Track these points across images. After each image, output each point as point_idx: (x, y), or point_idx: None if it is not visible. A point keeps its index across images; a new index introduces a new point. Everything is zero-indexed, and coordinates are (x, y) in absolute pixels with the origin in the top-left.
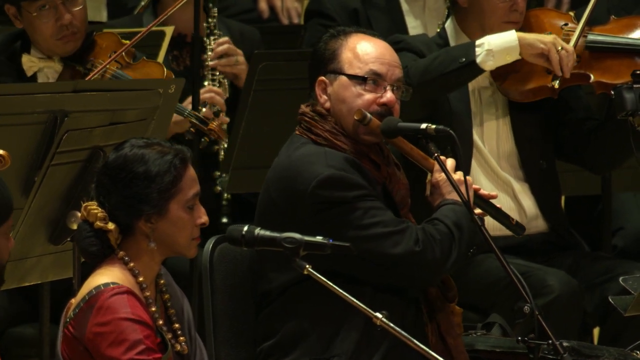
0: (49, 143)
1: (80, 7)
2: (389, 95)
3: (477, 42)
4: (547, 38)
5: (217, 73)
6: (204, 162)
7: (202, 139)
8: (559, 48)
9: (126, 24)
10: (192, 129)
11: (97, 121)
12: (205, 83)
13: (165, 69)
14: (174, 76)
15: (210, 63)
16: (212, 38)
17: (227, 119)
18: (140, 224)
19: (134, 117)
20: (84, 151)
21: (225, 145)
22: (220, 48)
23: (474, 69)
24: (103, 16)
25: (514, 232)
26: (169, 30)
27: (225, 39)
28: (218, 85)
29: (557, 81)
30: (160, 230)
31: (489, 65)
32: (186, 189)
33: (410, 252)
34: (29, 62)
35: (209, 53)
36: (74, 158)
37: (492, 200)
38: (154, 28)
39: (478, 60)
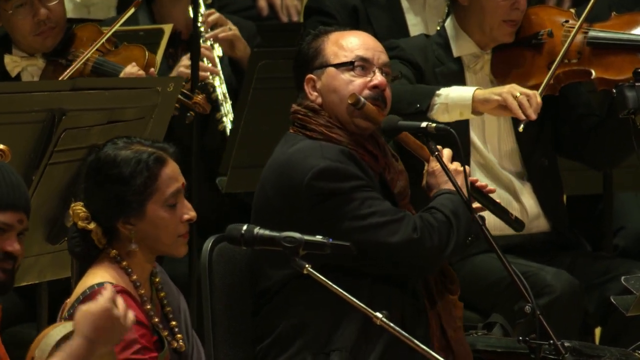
0: (47, 142)
1: (57, 1)
2: (379, 78)
3: (438, 91)
4: (503, 88)
5: (209, 43)
6: (204, 159)
7: (188, 114)
8: (517, 94)
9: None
10: (176, 105)
11: (95, 120)
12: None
13: (147, 51)
14: (157, 59)
15: (207, 35)
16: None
17: (218, 70)
18: (119, 225)
19: (132, 115)
20: (82, 150)
21: (230, 120)
22: (212, 18)
23: (426, 120)
24: (112, 13)
25: (513, 228)
26: (167, 28)
27: (212, 10)
28: (212, 49)
29: (522, 125)
30: (142, 232)
31: (443, 117)
32: (163, 188)
33: (409, 240)
34: (12, 63)
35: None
36: (72, 157)
37: (492, 196)
38: (153, 26)
39: (432, 112)
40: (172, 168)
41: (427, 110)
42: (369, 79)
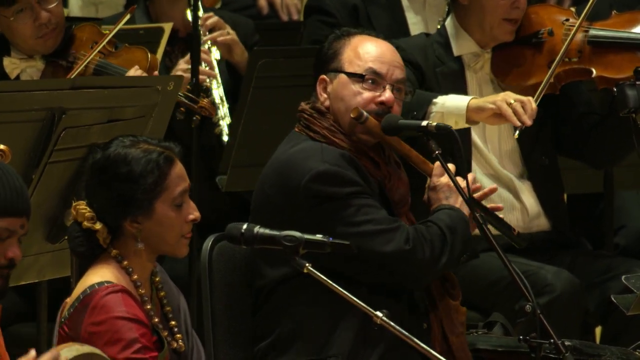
0: (47, 141)
1: (56, 3)
2: (387, 95)
3: (435, 99)
4: (497, 97)
5: (206, 46)
6: (204, 158)
7: (194, 117)
8: (512, 101)
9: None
10: (181, 109)
11: (95, 118)
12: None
13: (149, 53)
14: (159, 62)
15: (205, 38)
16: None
17: (215, 73)
18: (127, 224)
19: (132, 114)
20: (82, 149)
21: (226, 123)
22: (210, 21)
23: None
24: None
25: (516, 244)
26: (167, 27)
27: (211, 13)
28: (209, 52)
29: (517, 132)
30: (147, 231)
31: None
32: (172, 187)
33: (400, 250)
34: (11, 65)
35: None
36: (72, 156)
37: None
38: (153, 25)
39: (428, 119)
40: (180, 168)
41: (423, 118)
42: (378, 93)
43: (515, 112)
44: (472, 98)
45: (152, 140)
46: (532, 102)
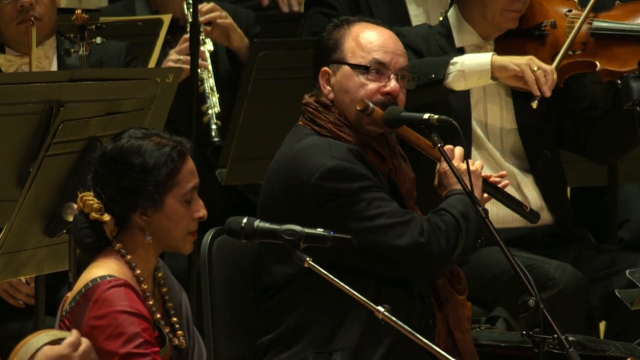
0: (45, 133)
1: None
2: (392, 84)
3: (452, 60)
4: (522, 59)
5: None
6: (202, 151)
7: None
8: (535, 68)
9: (119, 10)
10: None
11: (94, 111)
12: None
13: None
14: (158, 53)
15: (202, 19)
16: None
17: (207, 64)
18: (136, 216)
19: (131, 106)
20: (80, 142)
21: (215, 112)
22: (206, 8)
23: (443, 88)
24: (103, 2)
25: (529, 220)
26: (166, 19)
27: (205, 3)
28: (202, 43)
29: (536, 101)
30: (156, 224)
31: (460, 85)
32: (183, 182)
33: (415, 243)
34: (7, 63)
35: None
36: (70, 149)
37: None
38: (152, 16)
39: (448, 80)
40: (191, 163)
41: (443, 79)
42: (383, 84)
43: (537, 80)
44: (493, 54)
45: (164, 134)
46: (554, 73)
